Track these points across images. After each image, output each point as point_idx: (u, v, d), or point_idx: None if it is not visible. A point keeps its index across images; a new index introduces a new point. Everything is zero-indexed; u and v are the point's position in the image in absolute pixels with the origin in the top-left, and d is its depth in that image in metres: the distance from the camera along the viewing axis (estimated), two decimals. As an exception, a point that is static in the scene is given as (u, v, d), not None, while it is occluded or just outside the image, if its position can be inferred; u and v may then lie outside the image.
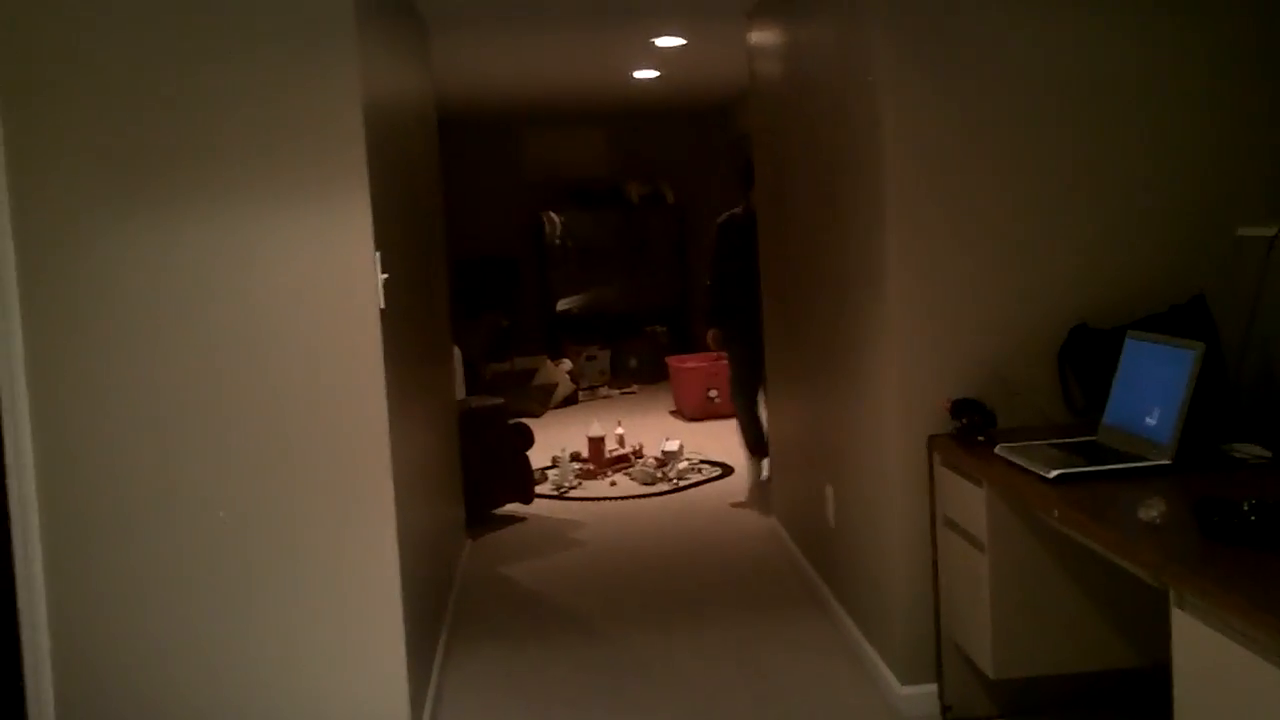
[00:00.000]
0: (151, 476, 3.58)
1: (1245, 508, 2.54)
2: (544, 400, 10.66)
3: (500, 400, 7.56)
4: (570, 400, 11.05)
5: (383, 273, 3.68)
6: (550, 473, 7.82)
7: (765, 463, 7.28)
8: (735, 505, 7.05)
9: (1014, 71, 3.89)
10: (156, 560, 3.60)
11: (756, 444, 7.39)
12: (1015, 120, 3.91)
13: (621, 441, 8.33)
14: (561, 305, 12.22)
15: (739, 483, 7.54)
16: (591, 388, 11.50)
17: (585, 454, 8.12)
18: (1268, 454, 3.31)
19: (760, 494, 7.24)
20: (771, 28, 5.76)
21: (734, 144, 7.22)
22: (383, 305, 3.65)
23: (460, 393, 7.27)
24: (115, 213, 3.51)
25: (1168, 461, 3.20)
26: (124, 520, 3.59)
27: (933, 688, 4.03)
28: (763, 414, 7.14)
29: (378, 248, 3.63)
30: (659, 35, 7.12)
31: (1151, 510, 2.75)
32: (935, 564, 3.95)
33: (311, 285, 3.58)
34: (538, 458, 7.54)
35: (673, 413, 10.05)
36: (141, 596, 3.61)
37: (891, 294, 3.95)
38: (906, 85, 3.88)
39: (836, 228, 4.60)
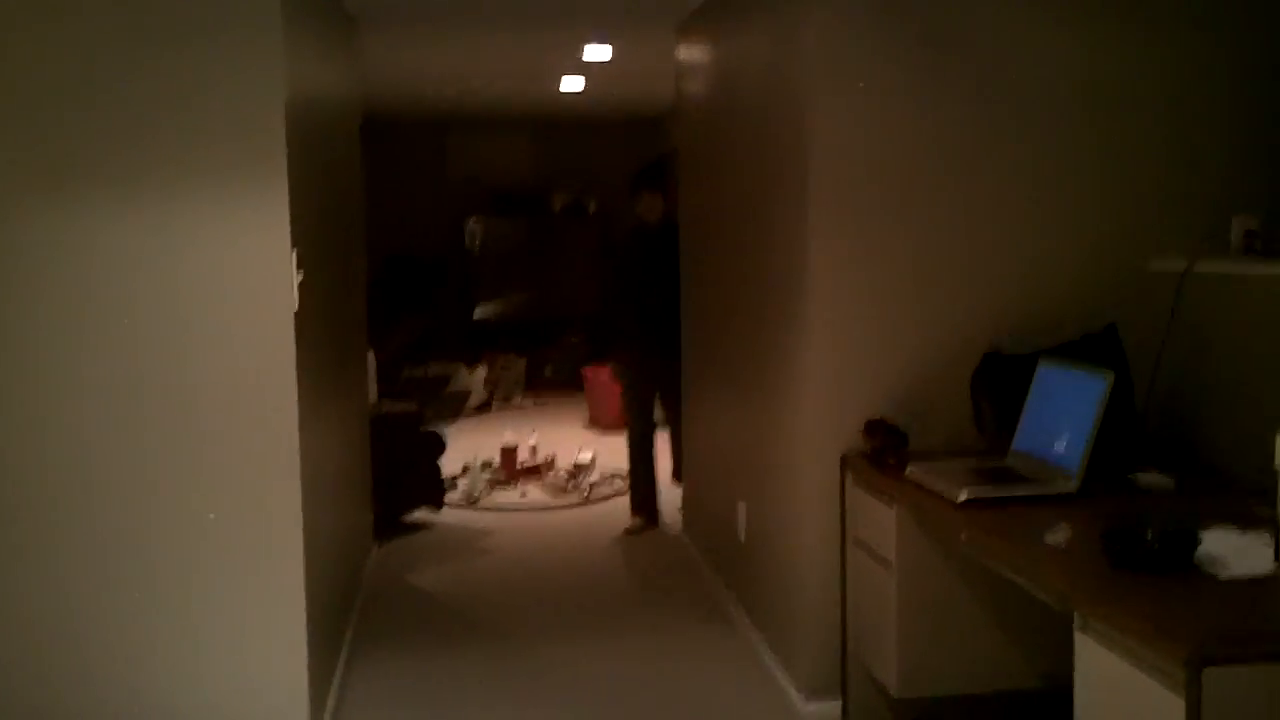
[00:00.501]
0: (60, 471, 3.52)
1: (1149, 536, 2.58)
2: (457, 407, 10.57)
3: (413, 406, 7.49)
4: (484, 408, 10.97)
5: (299, 272, 3.63)
6: (461, 481, 7.74)
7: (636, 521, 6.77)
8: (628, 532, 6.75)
9: (935, 99, 3.93)
10: (60, 553, 3.52)
11: (645, 499, 6.82)
12: (936, 148, 3.95)
13: (534, 452, 8.28)
14: (479, 313, 12.14)
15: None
16: (506, 396, 11.43)
17: (497, 463, 8.06)
18: (1171, 482, 3.37)
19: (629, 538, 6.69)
20: (700, 43, 5.78)
21: (645, 160, 7.11)
22: (297, 307, 3.59)
23: (373, 397, 7.19)
24: (32, 206, 3.44)
25: (1075, 487, 3.25)
26: (29, 512, 3.51)
27: (837, 704, 4.04)
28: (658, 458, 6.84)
29: (295, 246, 3.58)
30: (587, 45, 7.11)
31: (1057, 535, 2.78)
32: (844, 582, 3.97)
33: (227, 283, 3.53)
34: (449, 465, 7.47)
35: (587, 424, 10.02)
36: (44, 589, 3.53)
37: (810, 314, 3.97)
38: (830, 109, 3.91)
39: (759, 246, 4.62)
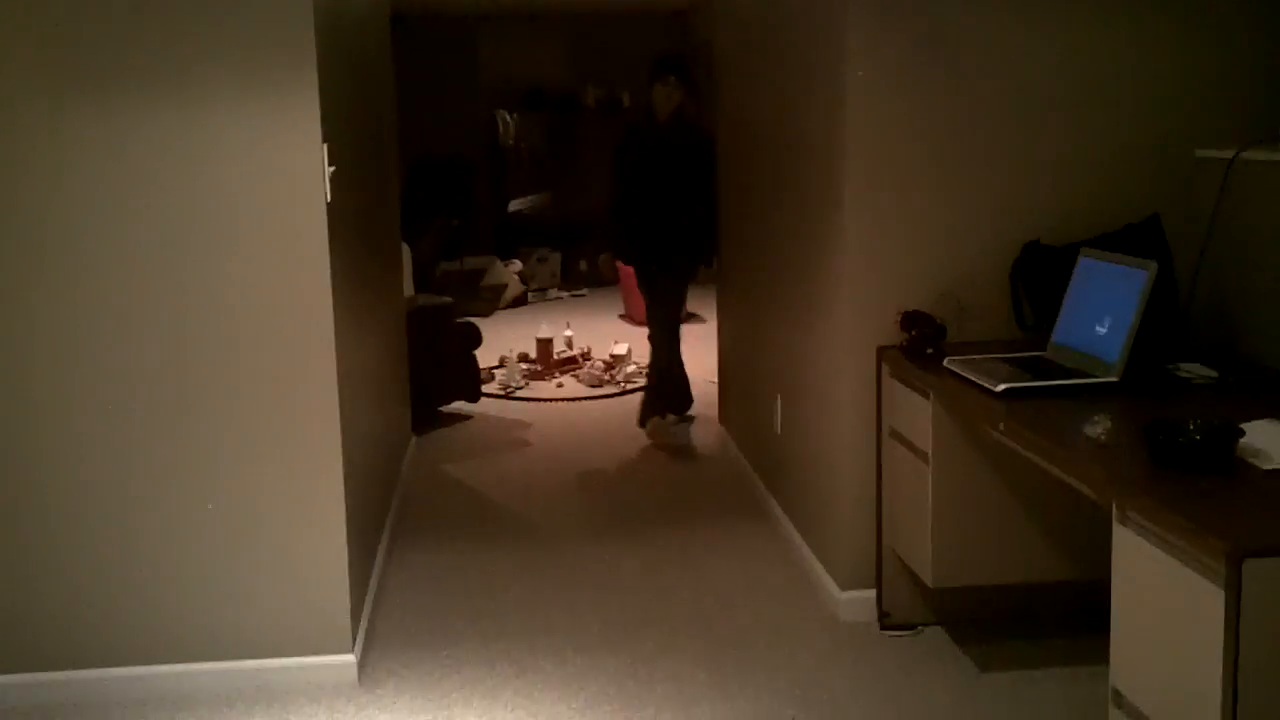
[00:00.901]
0: (99, 366, 3.53)
1: (1190, 428, 2.56)
2: (493, 300, 10.59)
3: (449, 300, 7.49)
4: (520, 302, 10.98)
5: (330, 166, 3.60)
6: (498, 372, 7.78)
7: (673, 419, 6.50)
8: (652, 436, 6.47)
9: (981, -19, 3.84)
10: (104, 451, 3.57)
11: (675, 395, 6.57)
12: (975, 35, 3.85)
13: (570, 344, 8.30)
14: (513, 206, 12.09)
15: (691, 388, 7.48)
16: (541, 290, 11.43)
17: (533, 355, 8.09)
18: (1214, 375, 3.33)
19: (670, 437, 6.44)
20: (736, -73, 5.65)
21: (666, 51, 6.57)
22: (329, 199, 3.57)
23: (409, 291, 7.20)
24: (55, 104, 3.41)
25: (1115, 379, 3.22)
26: (70, 409, 3.55)
27: (871, 594, 4.07)
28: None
29: (325, 141, 3.55)
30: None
31: (1097, 428, 2.76)
32: (879, 474, 3.97)
33: (258, 177, 3.50)
34: (485, 357, 7.49)
35: (622, 316, 10.01)
36: (85, 488, 3.58)
37: (847, 206, 3.92)
38: (872, 5, 3.82)
39: (796, 142, 4.55)
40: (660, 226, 6.16)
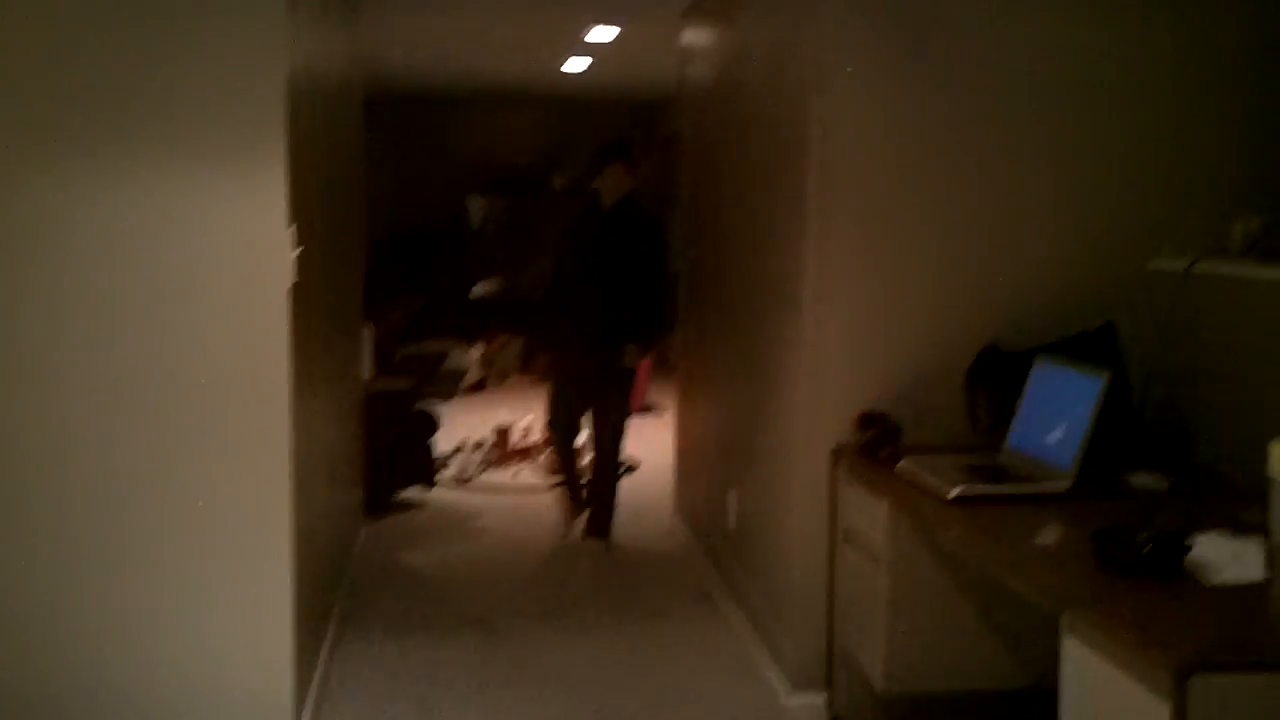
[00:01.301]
0: (44, 439, 3.48)
1: (1140, 539, 2.56)
2: (453, 385, 10.55)
3: (408, 383, 7.47)
4: (479, 387, 10.96)
5: (296, 247, 3.60)
6: (454, 459, 7.74)
7: (581, 520, 6.16)
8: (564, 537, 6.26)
9: (935, 91, 3.90)
10: (44, 527, 3.50)
11: (575, 491, 6.28)
12: (936, 142, 3.92)
13: (528, 432, 8.27)
14: (476, 290, 12.11)
15: (645, 480, 7.46)
16: (502, 375, 11.41)
17: (491, 443, 8.05)
18: (1164, 484, 3.35)
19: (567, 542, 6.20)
20: (705, 27, 5.74)
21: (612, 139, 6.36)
22: (293, 281, 3.57)
23: (368, 373, 7.17)
24: (22, 172, 3.39)
25: (1067, 487, 3.23)
26: (11, 484, 3.48)
27: (822, 697, 4.04)
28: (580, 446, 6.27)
29: (292, 221, 3.55)
30: (591, 26, 7.07)
31: (1048, 535, 2.77)
32: (832, 575, 3.96)
33: (221, 255, 3.49)
34: (443, 443, 7.45)
35: (582, 406, 9.99)
36: (27, 565, 3.50)
37: (806, 303, 3.95)
38: (834, 99, 3.88)
39: (758, 235, 4.59)
40: (608, 310, 5.87)
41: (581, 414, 6.10)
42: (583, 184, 6.11)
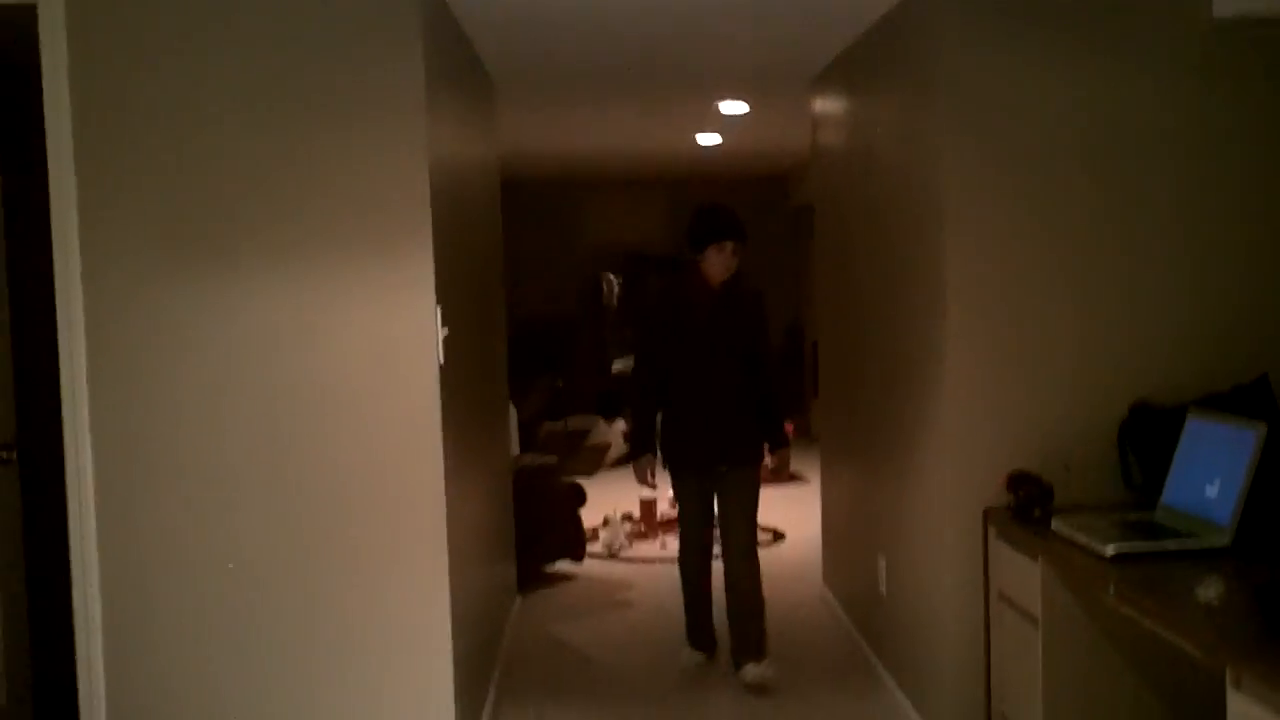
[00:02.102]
0: (212, 535, 3.63)
1: (1306, 592, 2.51)
2: (596, 460, 10.67)
3: (553, 459, 7.58)
4: (623, 462, 11.02)
5: (443, 328, 3.73)
6: (602, 532, 7.82)
7: (756, 667, 5.07)
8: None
9: (1074, 149, 3.90)
10: (214, 615, 3.65)
11: (699, 630, 5.45)
12: (1075, 199, 3.91)
13: (673, 504, 8.29)
14: (617, 366, 12.25)
15: (792, 549, 7.45)
16: (645, 449, 11.46)
17: (637, 515, 8.11)
18: (1329, 538, 3.27)
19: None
20: (834, 97, 5.81)
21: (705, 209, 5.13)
22: (442, 362, 3.69)
23: (514, 451, 7.30)
24: (183, 275, 3.59)
25: (1227, 543, 3.17)
26: (182, 578, 3.64)
27: (983, 764, 3.98)
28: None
29: (439, 303, 3.68)
30: (723, 100, 7.19)
31: (1209, 591, 2.72)
32: (988, 638, 3.91)
33: (373, 341, 3.63)
34: (590, 517, 7.54)
35: (725, 477, 10.00)
36: (197, 652, 3.65)
37: (950, 368, 3.95)
38: (967, 162, 3.91)
39: (897, 301, 4.61)
40: (738, 398, 5.14)
41: (712, 523, 5.37)
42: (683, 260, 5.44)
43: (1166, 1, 3.89)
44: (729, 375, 5.14)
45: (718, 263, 5.18)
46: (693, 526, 5.40)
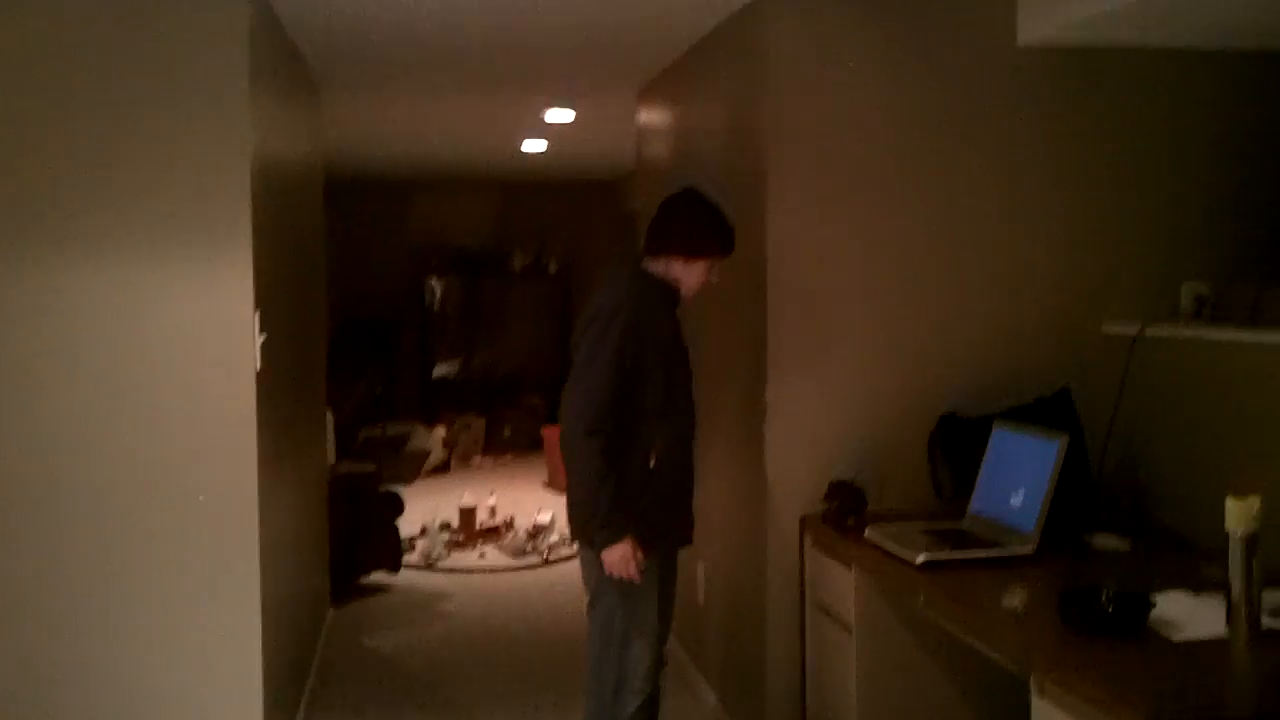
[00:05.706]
0: (18, 520, 3.47)
1: (1103, 599, 2.61)
2: (416, 467, 10.52)
3: (371, 467, 7.44)
4: (443, 468, 10.92)
5: (261, 332, 3.63)
6: (419, 542, 7.70)
7: None
8: None
9: (891, 160, 4.00)
10: (15, 606, 3.49)
11: None
12: (894, 214, 4.00)
13: (493, 512, 8.25)
14: (438, 371, 12.12)
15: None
16: (465, 456, 11.39)
17: (456, 524, 8.03)
18: (1125, 545, 3.41)
19: None
20: (660, 108, 5.84)
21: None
22: (259, 366, 3.59)
23: (331, 457, 7.15)
24: (-11, 260, 3.42)
25: (1031, 550, 3.28)
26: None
27: (796, 769, 4.03)
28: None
29: (258, 307, 3.58)
30: (549, 108, 7.17)
31: (1014, 599, 2.81)
32: (804, 645, 3.97)
33: (189, 341, 3.52)
34: (407, 526, 7.42)
35: (546, 484, 9.99)
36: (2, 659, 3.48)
37: (771, 378, 4.00)
38: (789, 174, 3.96)
39: (724, 309, 4.64)
40: (692, 460, 3.88)
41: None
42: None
43: (976, 25, 4.02)
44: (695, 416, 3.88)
45: (701, 279, 3.75)
46: (664, 637, 3.80)
